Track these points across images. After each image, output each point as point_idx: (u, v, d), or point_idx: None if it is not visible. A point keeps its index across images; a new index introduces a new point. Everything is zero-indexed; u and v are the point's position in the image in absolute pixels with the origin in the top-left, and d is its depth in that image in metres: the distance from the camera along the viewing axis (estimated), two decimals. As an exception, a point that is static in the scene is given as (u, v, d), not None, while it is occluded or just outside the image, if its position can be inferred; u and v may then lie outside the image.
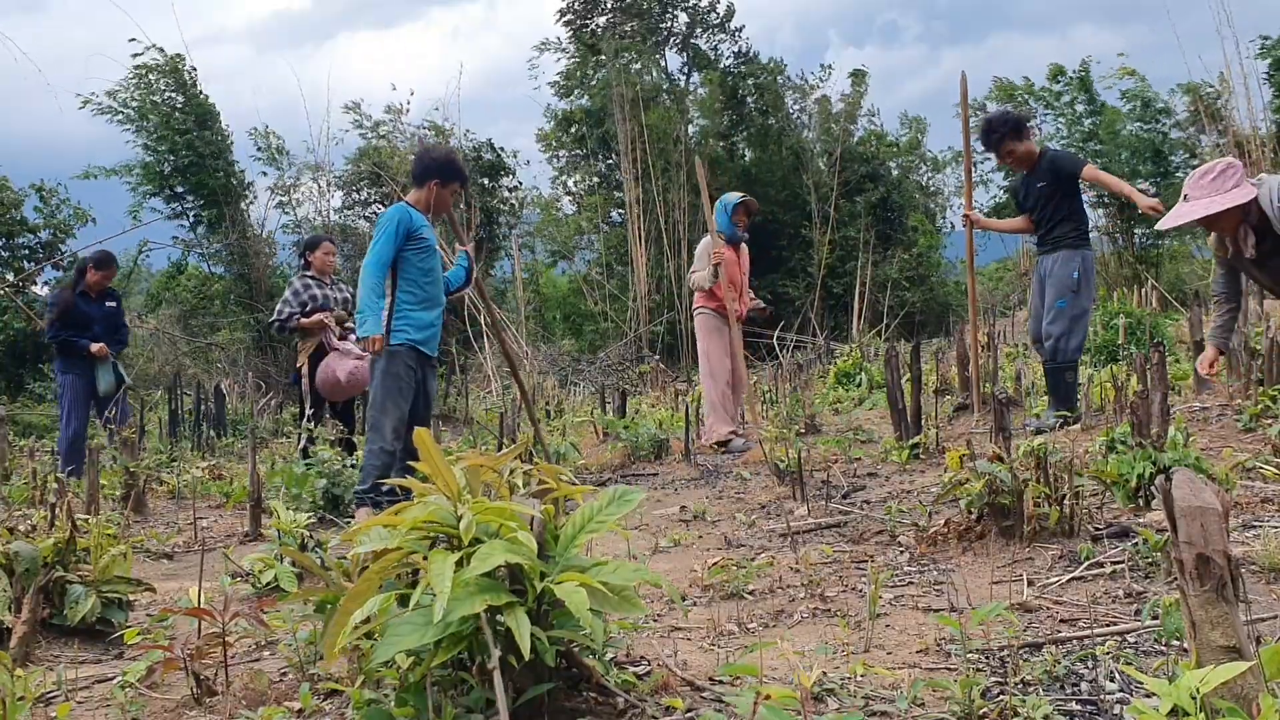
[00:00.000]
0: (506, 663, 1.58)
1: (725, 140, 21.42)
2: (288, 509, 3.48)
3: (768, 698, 1.47)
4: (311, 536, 3.39)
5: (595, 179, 21.45)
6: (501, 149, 19.27)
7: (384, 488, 4.46)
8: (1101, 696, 1.85)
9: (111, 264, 7.37)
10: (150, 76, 15.03)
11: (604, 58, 19.91)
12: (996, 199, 17.67)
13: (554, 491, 1.89)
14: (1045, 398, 5.85)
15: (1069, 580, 2.70)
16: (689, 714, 1.81)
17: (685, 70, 22.16)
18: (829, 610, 2.65)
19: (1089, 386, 5.97)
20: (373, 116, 18.27)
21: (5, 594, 2.64)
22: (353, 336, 6.26)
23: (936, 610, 2.51)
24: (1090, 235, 5.67)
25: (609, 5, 21.11)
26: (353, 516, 4.73)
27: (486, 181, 18.95)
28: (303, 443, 6.00)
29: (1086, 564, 2.79)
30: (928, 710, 1.81)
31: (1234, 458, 3.77)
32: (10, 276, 14.18)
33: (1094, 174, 5.47)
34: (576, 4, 21.09)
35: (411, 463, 1.88)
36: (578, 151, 21.47)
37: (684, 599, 2.83)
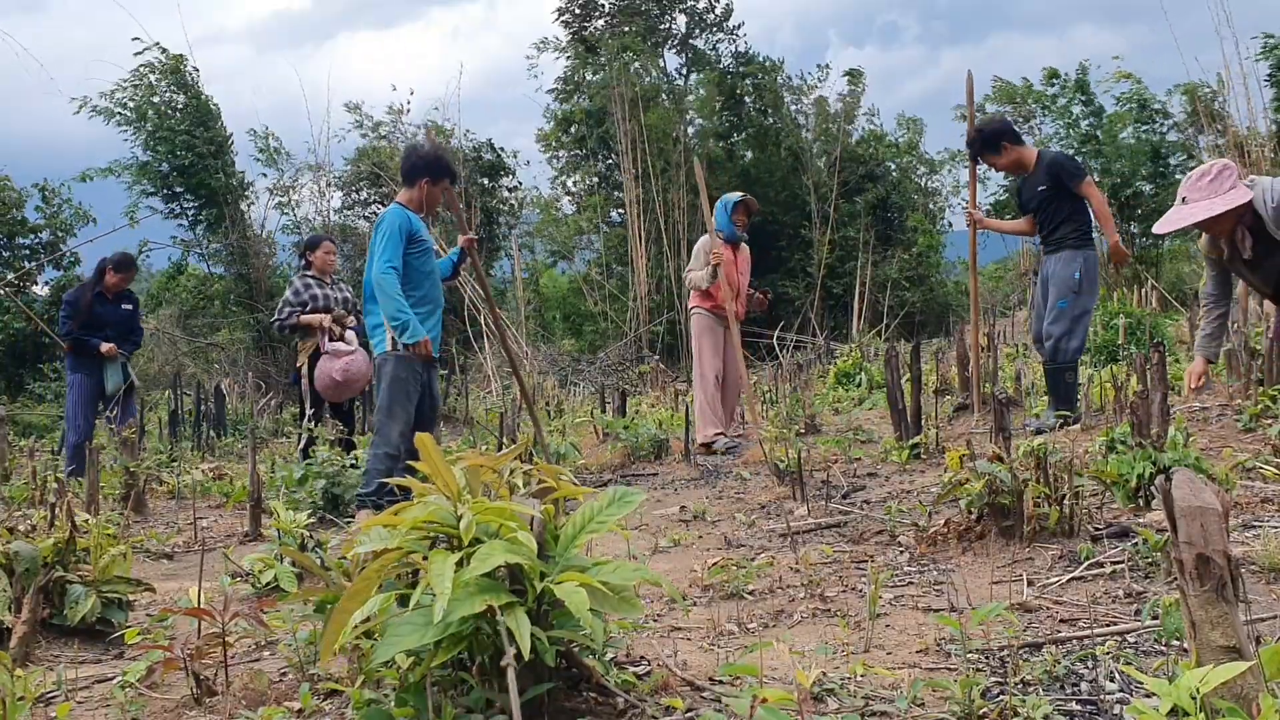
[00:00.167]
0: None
1: (724, 141, 21.42)
2: (288, 509, 3.48)
3: (764, 700, 1.47)
4: (311, 536, 3.39)
5: (595, 179, 21.45)
6: (501, 149, 19.30)
7: (385, 490, 4.46)
8: (1101, 696, 1.85)
9: (131, 267, 7.44)
10: (151, 77, 15.02)
11: (603, 58, 19.91)
12: (996, 197, 17.65)
13: (554, 492, 1.89)
14: (1045, 398, 5.85)
15: (1069, 580, 2.70)
16: (689, 714, 1.81)
17: (684, 70, 22.17)
18: (829, 610, 2.65)
19: (1089, 386, 5.97)
20: (374, 116, 18.31)
21: (5, 594, 2.64)
22: (350, 334, 6.25)
23: (936, 610, 2.51)
24: (1093, 236, 5.66)
25: (608, 7, 21.11)
26: (352, 517, 4.73)
27: (486, 181, 18.96)
28: (303, 443, 6.00)
29: (1086, 564, 2.79)
30: (928, 710, 1.81)
31: (1234, 458, 3.77)
32: (10, 276, 14.18)
33: (1089, 191, 5.42)
34: (575, 5, 21.09)
35: (411, 463, 1.89)
36: (577, 152, 21.48)
37: (684, 599, 2.83)
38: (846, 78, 20.95)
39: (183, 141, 14.99)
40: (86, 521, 2.91)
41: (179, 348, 16.04)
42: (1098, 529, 3.10)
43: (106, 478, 5.69)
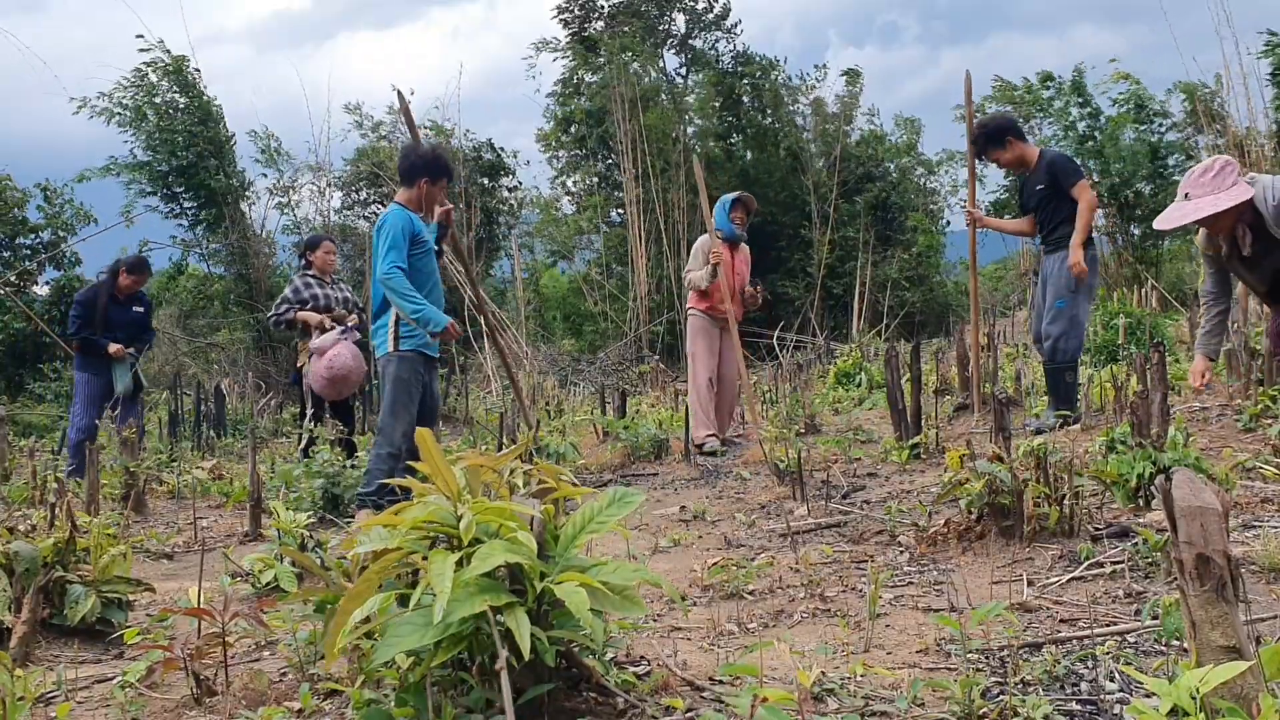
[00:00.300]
0: (507, 662, 1.58)
1: (723, 141, 21.42)
2: (288, 509, 3.48)
3: (765, 699, 1.47)
4: (311, 536, 3.39)
5: (595, 179, 21.45)
6: (501, 149, 19.30)
7: (386, 490, 4.46)
8: (1101, 696, 1.85)
9: (144, 269, 7.48)
10: (152, 76, 15.03)
11: (602, 58, 19.92)
12: (995, 196, 17.65)
13: (554, 492, 1.89)
14: (1045, 398, 5.85)
15: (1069, 580, 2.70)
16: (689, 714, 1.81)
17: (684, 70, 22.17)
18: (829, 610, 2.65)
19: (1089, 386, 5.97)
20: (373, 116, 18.32)
21: (5, 594, 2.64)
22: (338, 330, 6.24)
23: (936, 610, 2.51)
24: (1091, 236, 5.66)
25: (607, 8, 21.11)
26: (352, 517, 4.73)
27: (486, 181, 18.96)
28: (304, 443, 5.99)
29: (1086, 564, 2.79)
30: (928, 710, 1.81)
31: (1234, 458, 3.77)
32: (11, 277, 14.19)
33: (1081, 193, 5.34)
34: (575, 5, 21.09)
35: (411, 463, 1.89)
36: (577, 151, 21.48)
37: (684, 599, 2.83)
38: (844, 78, 20.98)
39: (183, 141, 14.99)
40: (86, 521, 2.91)
41: (179, 348, 16.04)
42: (1098, 529, 3.10)
43: (106, 477, 5.69)
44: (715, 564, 3.13)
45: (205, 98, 15.37)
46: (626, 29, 20.36)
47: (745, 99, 21.27)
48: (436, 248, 5.15)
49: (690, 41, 21.80)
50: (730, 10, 21.53)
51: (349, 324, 6.39)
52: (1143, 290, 12.55)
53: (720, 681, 2.01)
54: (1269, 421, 4.39)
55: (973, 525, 3.16)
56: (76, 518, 2.85)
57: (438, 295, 4.88)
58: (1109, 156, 15.71)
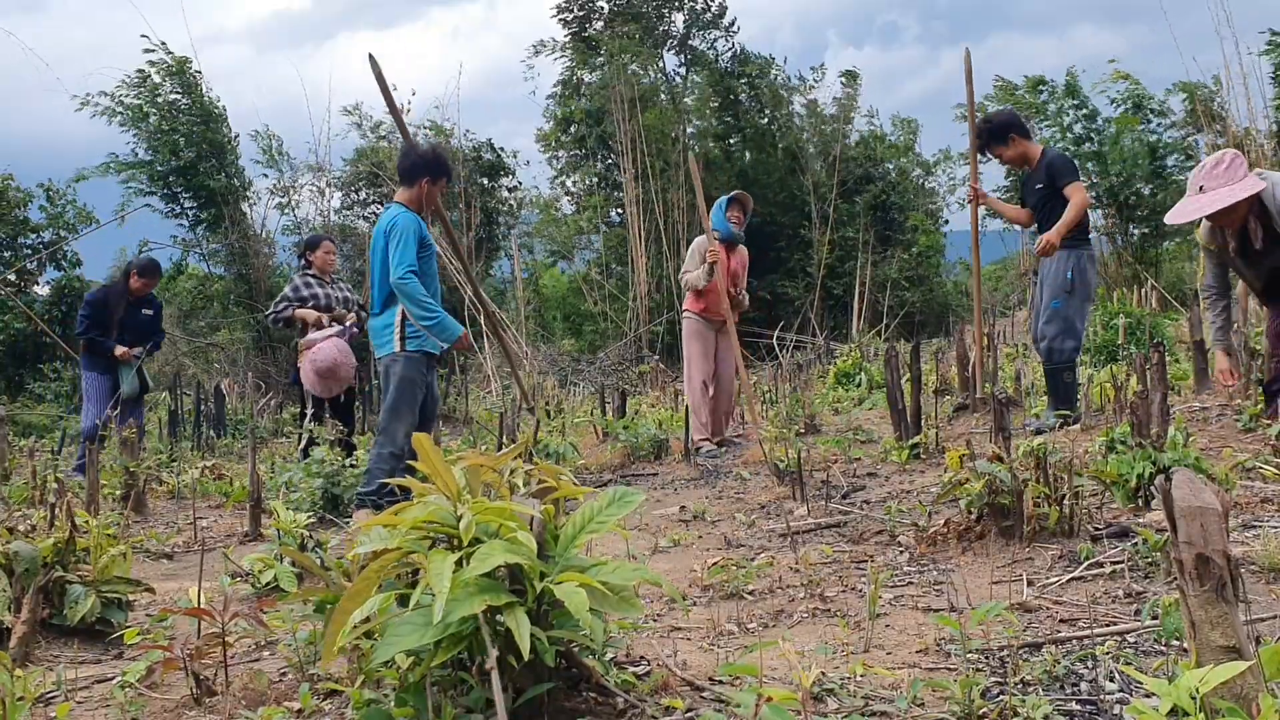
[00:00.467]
0: (506, 663, 1.58)
1: (722, 141, 21.42)
2: (287, 509, 3.48)
3: (769, 699, 1.47)
4: (311, 536, 3.39)
5: (594, 179, 21.45)
6: (501, 149, 19.31)
7: (386, 490, 4.47)
8: (1101, 696, 1.85)
9: (156, 272, 7.55)
10: (155, 77, 15.06)
11: (601, 59, 19.92)
12: (995, 194, 17.64)
13: (554, 491, 1.89)
14: (1045, 398, 5.85)
15: (1069, 580, 2.70)
16: (689, 714, 1.81)
17: (684, 70, 22.17)
18: (829, 610, 2.65)
19: (1089, 386, 5.97)
20: (373, 117, 18.32)
21: (5, 594, 2.63)
22: (334, 328, 6.25)
23: (936, 610, 2.51)
24: (1089, 236, 5.65)
25: (607, 9, 21.10)
26: (350, 516, 4.73)
27: (486, 181, 18.96)
28: (303, 443, 5.99)
29: (1086, 564, 2.79)
30: (928, 710, 1.81)
31: (1234, 458, 3.77)
32: (11, 276, 14.18)
33: (1073, 193, 5.32)
34: (575, 5, 21.08)
35: (411, 463, 1.88)
36: (577, 151, 21.48)
37: (684, 599, 2.83)
38: (842, 79, 20.97)
39: (184, 142, 15.02)
40: (86, 521, 2.91)
41: (179, 348, 16.04)
42: (1098, 529, 3.10)
43: (106, 477, 5.69)
44: (715, 564, 3.13)
45: (207, 99, 15.39)
46: (626, 30, 20.35)
47: (743, 99, 21.27)
48: None
49: (690, 42, 21.80)
50: (726, 9, 21.53)
51: (348, 323, 6.39)
52: (1142, 290, 12.56)
53: (720, 681, 2.01)
54: (1269, 421, 4.39)
55: (973, 525, 3.16)
56: (76, 518, 2.85)
57: (439, 296, 4.89)
58: (1110, 158, 15.70)
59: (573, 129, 20.95)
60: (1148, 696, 1.77)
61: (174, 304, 17.20)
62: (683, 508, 4.59)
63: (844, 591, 2.84)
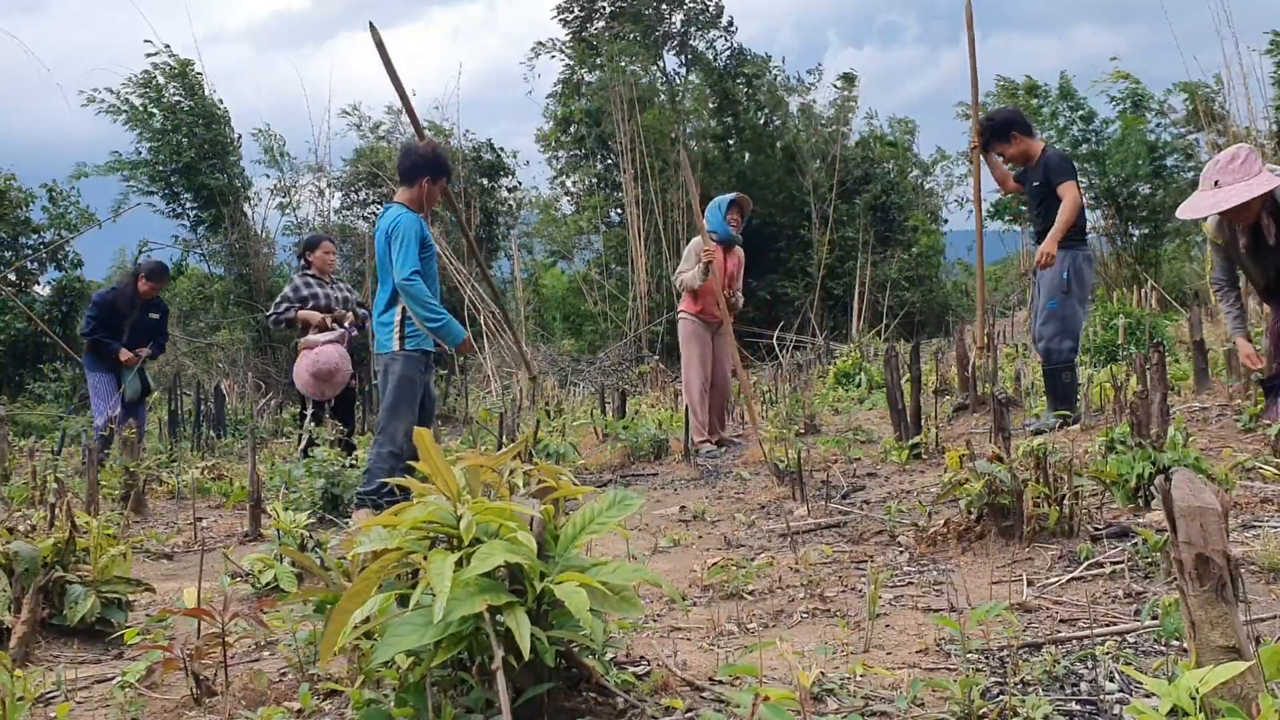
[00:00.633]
0: (506, 662, 1.58)
1: (721, 142, 21.42)
2: (287, 509, 3.48)
3: (768, 699, 1.47)
4: (311, 536, 3.39)
5: (594, 179, 21.46)
6: (501, 149, 19.31)
7: (386, 489, 4.46)
8: (1101, 696, 1.85)
9: (163, 276, 7.57)
10: (159, 79, 15.10)
11: (600, 59, 19.92)
12: (996, 194, 17.65)
13: (554, 491, 1.89)
14: (1044, 398, 5.85)
15: (1069, 580, 2.70)
16: (689, 714, 1.81)
17: (684, 70, 22.16)
18: (829, 610, 2.65)
19: (1089, 386, 5.96)
20: (372, 117, 18.34)
21: (5, 594, 2.64)
22: (337, 330, 6.26)
23: (936, 610, 2.51)
24: (1085, 236, 5.64)
25: (608, 8, 21.09)
26: (350, 516, 4.73)
27: (486, 182, 18.96)
28: (303, 443, 5.99)
29: (1086, 564, 2.79)
30: (927, 710, 1.81)
31: (1234, 458, 3.77)
32: (11, 275, 14.18)
33: (1066, 192, 5.29)
34: (575, 5, 21.08)
35: (411, 463, 1.88)
36: (576, 152, 21.48)
37: (684, 599, 2.83)
38: (841, 81, 20.95)
39: (187, 143, 15.04)
40: (86, 522, 2.91)
41: (179, 348, 16.04)
42: (1097, 529, 3.10)
43: (106, 478, 5.69)
44: (715, 564, 3.13)
45: (210, 100, 15.43)
46: (625, 31, 20.34)
47: (741, 99, 21.27)
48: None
49: (689, 42, 21.78)
50: (724, 9, 21.51)
51: (347, 324, 6.39)
52: (1142, 291, 12.55)
53: (720, 681, 2.01)
54: (1268, 422, 4.39)
55: (972, 525, 3.16)
56: (76, 518, 2.85)
57: (437, 295, 4.88)
58: (1115, 158, 15.69)
59: (572, 129, 20.95)
60: (1148, 696, 1.77)
61: (174, 304, 17.20)
62: (683, 508, 4.59)
63: (844, 591, 2.84)
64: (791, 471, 4.63)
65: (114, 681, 2.22)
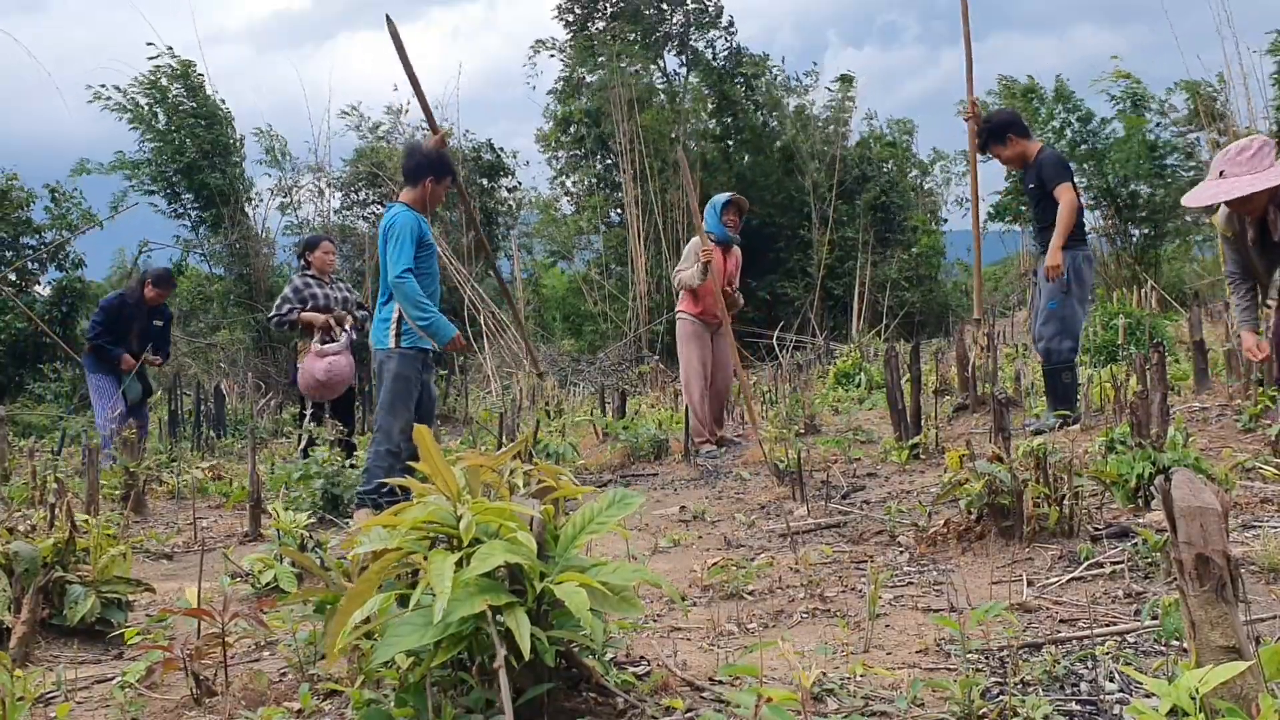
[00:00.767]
0: (506, 662, 1.58)
1: (719, 142, 21.41)
2: (287, 509, 3.48)
3: (769, 699, 1.47)
4: (311, 536, 3.39)
5: (594, 179, 21.45)
6: (500, 149, 19.32)
7: (385, 488, 4.47)
8: (1101, 696, 1.86)
9: (170, 283, 7.63)
10: (163, 80, 15.13)
11: (600, 59, 19.91)
12: (996, 195, 17.66)
13: (554, 491, 1.89)
14: (1044, 398, 5.85)
15: (1069, 580, 2.70)
16: (689, 714, 1.81)
17: (684, 70, 22.15)
18: (829, 610, 2.65)
19: (1089, 387, 5.96)
20: (371, 118, 18.36)
21: (5, 594, 2.63)
22: (343, 336, 6.27)
23: (936, 610, 2.51)
24: (1085, 236, 5.64)
25: (608, 8, 21.08)
26: (351, 516, 4.73)
27: (485, 182, 18.97)
28: (303, 444, 5.99)
29: (1086, 564, 2.79)
30: (927, 710, 1.81)
31: (1234, 458, 3.77)
32: (11, 275, 14.18)
33: (1061, 194, 5.27)
34: (575, 5, 21.07)
35: (411, 463, 1.89)
36: (576, 152, 21.47)
37: (684, 599, 2.83)
38: (839, 83, 20.92)
39: (190, 143, 15.06)
40: (86, 522, 2.91)
41: (179, 348, 16.04)
42: (1097, 529, 3.10)
43: (106, 478, 5.69)
44: (715, 564, 3.13)
45: (212, 101, 15.45)
46: (624, 31, 20.32)
47: (740, 99, 21.26)
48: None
49: (690, 43, 21.77)
50: (723, 9, 21.50)
51: (347, 325, 6.39)
52: (1142, 291, 12.55)
53: (720, 681, 2.01)
54: (1269, 421, 4.39)
55: (972, 525, 3.16)
56: (76, 518, 2.85)
57: (437, 294, 4.89)
58: (1113, 158, 15.68)
59: (572, 129, 20.95)
60: (1148, 696, 1.77)
61: (174, 304, 17.21)
62: (683, 508, 4.59)
63: (844, 591, 2.84)
64: (791, 471, 4.63)
65: (114, 681, 2.22)
